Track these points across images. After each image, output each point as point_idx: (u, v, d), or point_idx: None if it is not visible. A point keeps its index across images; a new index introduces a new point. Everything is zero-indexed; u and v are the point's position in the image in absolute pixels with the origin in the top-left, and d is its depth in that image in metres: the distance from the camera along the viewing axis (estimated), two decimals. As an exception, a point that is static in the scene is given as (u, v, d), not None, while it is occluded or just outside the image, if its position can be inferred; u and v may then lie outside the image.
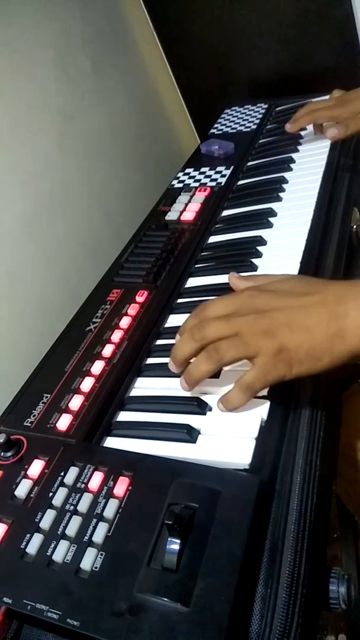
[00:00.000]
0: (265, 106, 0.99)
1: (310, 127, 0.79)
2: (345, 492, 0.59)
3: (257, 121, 0.94)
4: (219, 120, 0.99)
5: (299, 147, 0.79)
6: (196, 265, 0.62)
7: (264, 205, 0.68)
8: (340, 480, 0.58)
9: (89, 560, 0.33)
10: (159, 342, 0.52)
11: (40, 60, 0.81)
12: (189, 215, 0.70)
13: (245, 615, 0.31)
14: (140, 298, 0.57)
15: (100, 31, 0.96)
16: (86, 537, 0.34)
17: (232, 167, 0.80)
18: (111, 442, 0.43)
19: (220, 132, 0.95)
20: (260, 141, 0.87)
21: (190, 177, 0.81)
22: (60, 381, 0.48)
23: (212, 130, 0.96)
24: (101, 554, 0.33)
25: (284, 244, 0.60)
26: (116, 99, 1.00)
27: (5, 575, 0.33)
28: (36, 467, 0.40)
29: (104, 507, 0.36)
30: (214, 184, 0.77)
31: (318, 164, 0.72)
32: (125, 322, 0.54)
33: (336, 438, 0.47)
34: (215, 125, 0.98)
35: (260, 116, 0.95)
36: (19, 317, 0.73)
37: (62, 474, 0.39)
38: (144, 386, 0.48)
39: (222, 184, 0.77)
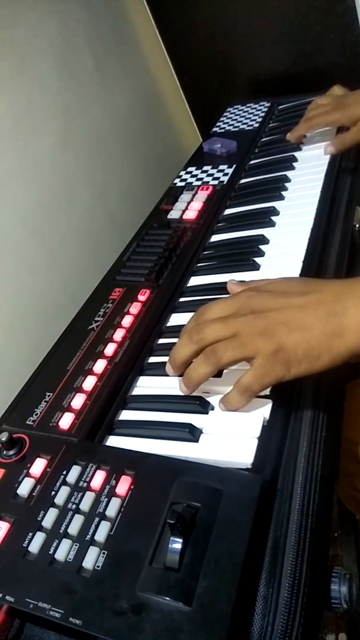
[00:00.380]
0: (268, 104, 0.98)
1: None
2: (345, 489, 0.59)
3: (260, 120, 0.93)
4: (222, 119, 0.99)
5: (302, 146, 0.79)
6: (198, 264, 0.62)
7: (267, 204, 0.67)
8: (340, 477, 0.58)
9: (91, 559, 0.33)
10: (161, 340, 0.52)
11: (43, 59, 0.81)
12: (191, 214, 0.70)
13: (247, 615, 0.31)
14: (142, 297, 0.57)
15: (103, 30, 0.96)
16: (88, 536, 0.34)
17: (234, 166, 0.80)
18: (113, 441, 0.43)
19: (223, 130, 0.95)
20: (263, 140, 0.87)
21: (192, 176, 0.81)
22: (62, 380, 0.48)
23: (214, 129, 0.96)
24: (103, 553, 0.33)
25: (286, 242, 0.60)
26: (119, 97, 0.99)
27: (8, 573, 0.34)
28: (38, 466, 0.40)
29: (106, 506, 0.36)
30: (216, 182, 0.77)
31: (321, 163, 0.72)
32: (127, 320, 0.54)
33: (338, 437, 0.47)
34: (218, 124, 0.98)
35: (263, 114, 0.95)
36: (21, 315, 0.73)
37: (64, 472, 0.39)
38: (146, 385, 0.48)
39: (225, 182, 0.77)
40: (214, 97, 1.14)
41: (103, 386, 0.47)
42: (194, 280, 0.60)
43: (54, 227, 0.80)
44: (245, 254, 0.59)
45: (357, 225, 0.67)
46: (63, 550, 0.34)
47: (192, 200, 0.74)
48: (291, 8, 0.95)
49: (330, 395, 0.45)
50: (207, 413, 0.42)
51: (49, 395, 0.47)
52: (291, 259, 0.56)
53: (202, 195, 0.74)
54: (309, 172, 0.72)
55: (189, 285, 0.59)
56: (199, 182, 0.78)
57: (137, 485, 0.36)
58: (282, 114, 0.92)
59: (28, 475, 0.39)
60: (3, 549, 0.35)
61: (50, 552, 0.34)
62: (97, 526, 0.35)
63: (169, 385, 0.46)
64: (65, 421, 0.44)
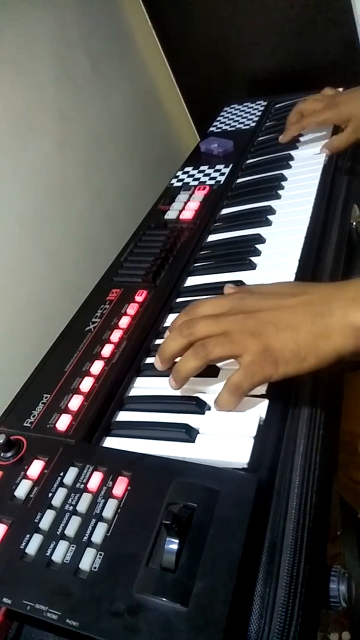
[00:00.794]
0: (265, 103, 0.98)
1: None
2: (342, 481, 0.59)
3: (256, 119, 0.93)
4: (218, 118, 0.99)
5: (298, 145, 0.79)
6: (195, 264, 0.62)
7: (263, 203, 0.67)
8: (340, 471, 0.58)
9: (88, 560, 0.33)
10: (158, 341, 0.52)
11: (40, 60, 0.81)
12: (188, 214, 0.70)
13: (244, 615, 0.31)
14: (139, 297, 0.57)
15: (100, 31, 0.96)
16: (85, 538, 0.34)
17: (231, 165, 0.80)
18: (110, 442, 0.43)
19: (220, 130, 0.95)
20: (259, 139, 0.87)
21: (189, 176, 0.81)
22: (59, 381, 0.48)
23: (211, 129, 0.96)
24: (100, 554, 0.33)
25: (283, 241, 0.60)
26: (115, 98, 0.99)
27: (5, 575, 0.34)
28: (36, 468, 0.40)
29: (103, 507, 0.36)
30: (213, 182, 0.77)
31: (317, 161, 0.72)
32: (124, 321, 0.54)
33: (336, 435, 0.47)
34: (215, 124, 0.98)
35: (260, 114, 0.95)
36: (18, 316, 0.73)
37: (61, 474, 0.39)
38: (143, 386, 0.48)
39: (221, 182, 0.77)
40: (210, 97, 1.14)
41: (100, 387, 0.47)
42: (191, 281, 0.60)
43: (51, 227, 0.81)
44: (241, 254, 0.59)
45: (354, 224, 0.67)
46: (60, 552, 0.34)
47: (189, 200, 0.74)
48: (287, 7, 0.95)
49: (328, 393, 0.45)
50: (203, 413, 0.42)
51: (46, 397, 0.47)
52: (288, 257, 0.56)
53: (199, 195, 0.74)
54: (305, 170, 0.72)
55: (185, 285, 0.59)
56: (196, 182, 0.78)
57: (134, 486, 0.37)
58: (279, 113, 0.92)
59: (25, 477, 0.39)
60: (0, 551, 0.35)
61: (48, 554, 0.34)
62: (94, 527, 0.35)
63: (166, 385, 0.45)
64: (63, 423, 0.44)
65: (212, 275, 0.59)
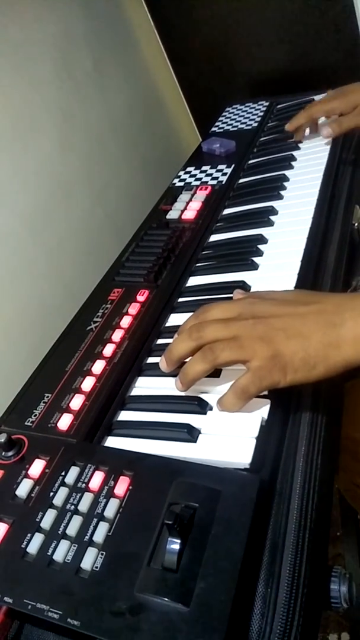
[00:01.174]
0: (267, 104, 0.98)
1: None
2: (346, 486, 0.59)
3: (258, 119, 0.93)
4: (220, 119, 0.99)
5: (300, 145, 0.79)
6: (197, 264, 0.62)
7: (265, 203, 0.67)
8: (342, 474, 0.58)
9: (90, 560, 0.33)
10: (160, 341, 0.52)
11: (41, 59, 0.81)
12: (190, 214, 0.70)
13: (246, 615, 0.31)
14: (141, 297, 0.57)
15: (102, 30, 0.96)
16: (87, 537, 0.34)
17: (233, 166, 0.80)
18: (112, 442, 0.43)
19: (222, 130, 0.95)
20: (262, 139, 0.87)
21: (191, 176, 0.81)
22: (61, 381, 0.48)
23: (213, 129, 0.96)
24: (102, 554, 0.33)
25: (285, 242, 0.60)
26: (117, 97, 0.99)
27: (6, 574, 0.34)
28: (37, 467, 0.40)
29: (104, 507, 0.36)
30: (215, 182, 0.77)
31: (319, 162, 0.72)
32: (126, 321, 0.54)
33: (337, 436, 0.47)
34: (217, 124, 0.98)
35: (262, 114, 0.95)
36: (20, 316, 0.73)
37: (62, 473, 0.39)
38: (144, 385, 0.48)
39: (223, 182, 0.77)
40: (212, 97, 1.14)
41: (102, 387, 0.47)
42: (193, 281, 0.60)
43: (53, 227, 0.81)
44: (243, 254, 0.59)
45: (356, 224, 0.67)
46: (61, 551, 0.34)
47: (190, 200, 0.74)
48: (289, 7, 0.95)
49: (329, 395, 0.45)
50: (205, 413, 0.42)
51: (47, 396, 0.47)
52: (290, 258, 0.56)
53: (201, 195, 0.74)
54: (307, 171, 0.72)
55: (187, 285, 0.59)
56: (198, 182, 0.78)
57: (136, 485, 0.36)
58: (281, 113, 0.92)
59: (27, 476, 0.39)
60: (2, 550, 0.35)
61: (49, 553, 0.34)
62: (95, 527, 0.35)
63: (168, 385, 0.46)
64: (64, 422, 0.44)
65: (214, 275, 0.59)
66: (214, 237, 0.66)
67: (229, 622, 0.29)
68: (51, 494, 0.37)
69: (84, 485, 0.37)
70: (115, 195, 0.97)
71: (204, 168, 0.82)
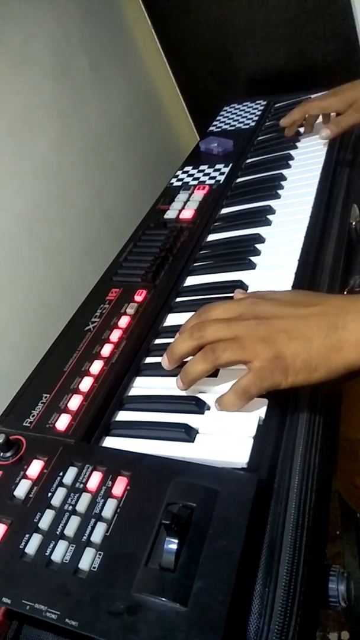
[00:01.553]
0: (264, 103, 0.98)
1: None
2: (345, 487, 0.59)
3: (256, 118, 0.93)
4: (218, 118, 0.99)
5: (298, 144, 0.79)
6: (195, 264, 0.62)
7: (263, 202, 0.67)
8: (340, 475, 0.58)
9: (88, 560, 0.33)
10: (158, 341, 0.52)
11: (38, 60, 0.81)
12: (187, 214, 0.70)
13: (244, 614, 0.31)
14: (139, 297, 0.57)
15: (99, 30, 0.96)
16: (85, 537, 0.34)
17: (231, 165, 0.80)
18: (110, 442, 0.43)
19: (219, 129, 0.95)
20: (259, 138, 0.87)
21: (189, 176, 0.81)
22: (59, 381, 0.48)
23: (211, 128, 0.96)
24: (99, 554, 0.33)
25: (282, 241, 0.60)
26: (114, 97, 0.99)
27: (5, 575, 0.34)
28: (35, 467, 0.40)
29: (102, 507, 0.36)
30: (212, 182, 0.77)
31: (316, 161, 0.72)
32: (124, 321, 0.54)
33: (335, 436, 0.47)
34: (214, 123, 0.98)
35: (259, 113, 0.95)
36: (17, 317, 0.73)
37: (60, 474, 0.39)
38: (142, 385, 0.48)
39: (221, 181, 0.77)
40: (210, 96, 1.14)
41: (99, 387, 0.47)
42: (191, 280, 0.60)
43: (50, 227, 0.81)
44: (241, 254, 0.59)
45: (354, 223, 0.67)
46: (59, 552, 0.34)
47: (188, 199, 0.74)
48: (287, 6, 0.95)
49: (327, 394, 0.45)
50: (203, 413, 0.42)
51: (45, 397, 0.47)
52: (287, 257, 0.56)
53: (199, 194, 0.74)
54: (305, 170, 0.72)
55: (185, 285, 0.59)
56: (196, 182, 0.78)
57: (133, 486, 0.37)
58: (279, 113, 0.92)
59: (25, 476, 0.39)
60: (0, 551, 0.35)
61: (47, 554, 0.34)
62: (93, 527, 0.35)
63: (165, 385, 0.46)
64: (62, 422, 0.44)
65: (212, 274, 0.59)
66: (211, 237, 0.66)
67: (226, 622, 0.29)
68: (49, 494, 0.38)
69: (81, 485, 0.37)
70: (113, 195, 0.97)
71: (201, 167, 0.82)
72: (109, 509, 0.35)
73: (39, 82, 0.80)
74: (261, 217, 0.64)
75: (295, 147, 0.78)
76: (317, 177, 0.68)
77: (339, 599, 0.36)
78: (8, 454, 0.41)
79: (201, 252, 0.64)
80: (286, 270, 0.54)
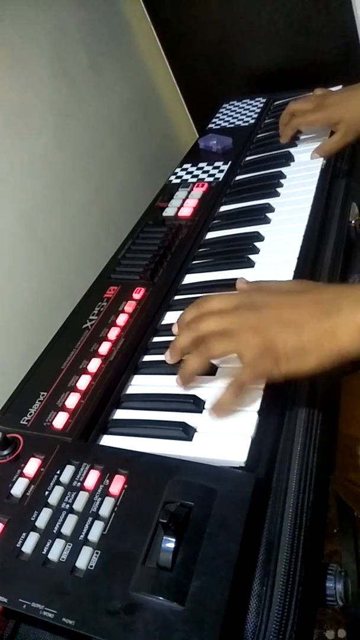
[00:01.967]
0: (264, 100, 0.98)
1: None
2: (341, 482, 0.59)
3: (256, 116, 0.93)
4: (217, 115, 0.99)
5: (297, 142, 0.79)
6: (193, 262, 0.62)
7: (262, 200, 0.67)
8: (338, 473, 0.58)
9: (85, 559, 0.33)
10: (156, 339, 0.52)
11: (37, 57, 0.80)
12: (186, 211, 0.70)
13: (241, 613, 0.31)
14: (137, 295, 0.57)
15: (98, 27, 0.95)
16: (82, 536, 0.34)
17: (230, 162, 0.80)
18: (107, 440, 0.43)
19: (219, 127, 0.94)
20: (258, 136, 0.87)
21: (188, 173, 0.81)
22: (56, 379, 0.48)
23: (210, 125, 0.96)
24: (97, 553, 0.33)
25: (281, 239, 0.60)
26: (114, 94, 0.99)
27: (1, 574, 0.33)
28: (32, 466, 0.40)
29: (99, 506, 0.35)
30: (211, 179, 0.77)
31: (316, 159, 0.72)
32: (122, 319, 0.53)
33: (334, 435, 0.47)
34: (214, 120, 0.97)
35: (259, 110, 0.95)
36: (15, 314, 0.72)
37: (58, 472, 0.39)
38: (140, 384, 0.48)
39: (220, 179, 0.76)
40: (209, 93, 1.13)
41: (97, 385, 0.46)
42: (189, 278, 0.60)
43: (49, 225, 0.80)
44: (240, 251, 0.59)
45: (353, 222, 0.67)
46: (56, 550, 0.34)
47: (187, 197, 0.73)
48: (286, 3, 0.95)
49: (325, 393, 0.45)
50: (200, 412, 0.42)
51: (43, 395, 0.47)
52: (286, 255, 0.56)
53: (198, 192, 0.74)
54: (304, 168, 0.72)
55: (184, 283, 0.59)
56: (195, 179, 0.78)
57: (131, 484, 0.36)
58: (278, 110, 0.92)
59: (22, 475, 0.39)
60: (-3, 549, 0.35)
61: (44, 552, 0.34)
62: (90, 526, 0.34)
63: (163, 383, 0.45)
64: (60, 421, 0.44)
65: (211, 273, 0.59)
66: (210, 235, 0.66)
67: (224, 621, 0.29)
68: (46, 492, 0.37)
69: (79, 484, 0.37)
70: (112, 192, 0.96)
71: (200, 165, 0.82)
72: (106, 507, 0.35)
73: (38, 79, 0.80)
74: (260, 215, 0.64)
75: (295, 145, 0.78)
76: (317, 176, 0.68)
77: (336, 597, 0.36)
78: (5, 452, 0.41)
79: (200, 250, 0.64)
80: (285, 268, 0.54)
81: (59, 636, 0.33)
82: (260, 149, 0.82)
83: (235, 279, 0.54)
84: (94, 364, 0.48)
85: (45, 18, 0.82)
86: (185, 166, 0.83)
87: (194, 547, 0.32)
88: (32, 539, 0.35)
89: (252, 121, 0.91)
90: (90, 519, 0.35)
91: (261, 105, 0.97)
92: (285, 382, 0.39)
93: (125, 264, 0.63)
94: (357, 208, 0.68)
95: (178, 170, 0.82)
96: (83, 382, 0.47)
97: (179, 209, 0.71)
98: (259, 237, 0.61)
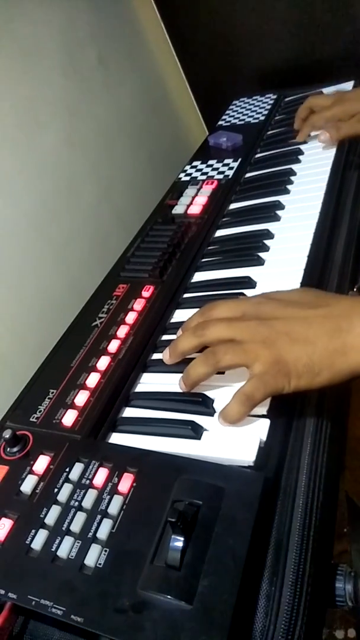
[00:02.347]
0: (274, 97, 0.97)
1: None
2: (354, 487, 0.59)
3: (266, 112, 0.92)
4: (227, 112, 0.98)
5: (307, 139, 0.78)
6: (203, 260, 0.62)
7: (272, 198, 0.67)
8: (348, 474, 0.57)
9: (93, 556, 0.33)
10: (165, 337, 0.52)
11: (46, 54, 0.80)
12: (195, 209, 0.70)
13: (249, 613, 0.31)
14: (146, 293, 0.56)
15: (108, 24, 0.95)
16: (90, 534, 0.34)
17: (240, 160, 0.79)
18: (116, 438, 0.43)
19: (229, 124, 0.94)
20: (269, 133, 0.86)
21: (197, 170, 0.80)
22: (66, 377, 0.48)
23: (220, 122, 0.95)
24: (105, 551, 0.33)
25: (291, 237, 0.59)
26: (123, 91, 0.99)
27: (11, 570, 0.34)
28: (42, 463, 0.40)
29: (108, 504, 0.35)
30: (221, 176, 0.76)
31: (326, 156, 0.71)
32: (131, 317, 0.53)
33: (344, 434, 0.46)
34: (224, 117, 0.97)
35: (269, 107, 0.94)
36: (25, 312, 0.73)
37: (67, 469, 0.39)
38: (149, 382, 0.48)
39: (230, 176, 0.76)
40: (220, 90, 1.13)
41: (106, 383, 0.47)
42: (198, 276, 0.59)
43: (58, 223, 0.80)
44: (249, 249, 0.59)
45: (364, 219, 0.66)
46: (65, 548, 0.34)
47: (196, 194, 0.73)
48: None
49: (336, 391, 0.45)
50: (209, 410, 0.41)
51: (52, 392, 0.47)
52: (296, 253, 0.55)
53: (207, 189, 0.74)
54: (315, 165, 0.71)
55: (193, 281, 0.59)
56: (204, 177, 0.78)
57: (140, 482, 0.36)
58: (289, 107, 0.91)
59: (31, 472, 0.40)
60: (6, 546, 0.35)
61: (53, 549, 0.34)
62: (99, 524, 0.35)
63: (172, 382, 0.45)
64: (69, 418, 0.44)
65: (220, 270, 0.58)
66: (219, 232, 0.66)
67: (232, 621, 0.29)
68: (55, 490, 0.38)
69: (88, 481, 0.37)
70: (121, 190, 0.96)
71: (210, 162, 0.81)
72: (115, 505, 0.35)
73: (48, 76, 0.80)
74: (270, 212, 0.64)
75: (305, 142, 0.77)
76: (327, 173, 0.67)
77: (346, 598, 0.35)
78: (15, 449, 0.41)
79: (209, 247, 0.64)
80: (295, 266, 0.53)
81: (68, 633, 0.34)
82: (270, 146, 0.81)
83: (244, 277, 0.54)
84: (103, 362, 0.49)
85: (55, 16, 0.82)
86: (194, 163, 0.83)
87: (202, 546, 0.32)
88: (41, 536, 0.35)
89: (263, 118, 0.91)
90: (99, 516, 0.35)
91: (272, 101, 0.96)
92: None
93: (135, 262, 0.63)
94: (369, 205, 0.68)
95: (187, 167, 0.82)
96: (92, 379, 0.47)
97: (188, 206, 0.71)
98: (269, 234, 0.60)
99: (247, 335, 0.39)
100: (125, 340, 0.51)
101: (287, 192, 0.67)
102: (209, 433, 0.40)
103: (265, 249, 0.58)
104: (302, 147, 0.76)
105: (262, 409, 0.40)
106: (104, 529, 0.34)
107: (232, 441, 0.38)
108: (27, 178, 0.75)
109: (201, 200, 0.71)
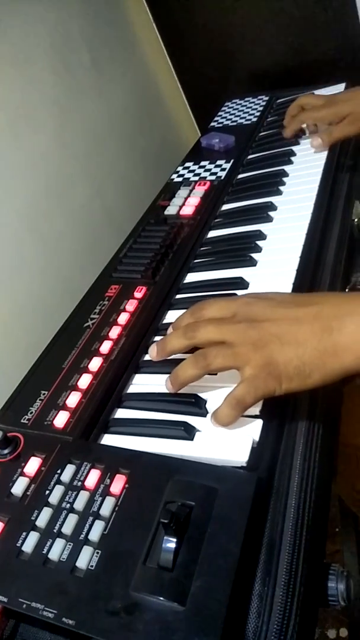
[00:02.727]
0: (266, 98, 0.98)
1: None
2: (347, 492, 0.59)
3: (258, 114, 0.93)
4: (220, 113, 0.99)
5: (300, 140, 0.78)
6: (195, 261, 0.62)
7: (264, 199, 0.67)
8: (341, 480, 0.57)
9: (85, 558, 0.33)
10: (158, 338, 0.52)
11: (38, 54, 0.80)
12: (188, 210, 0.70)
13: (242, 614, 0.31)
14: (138, 294, 0.56)
15: (100, 24, 0.95)
16: (82, 536, 0.34)
17: (232, 161, 0.80)
18: (108, 440, 0.43)
19: (221, 125, 0.94)
20: (261, 134, 0.86)
21: (189, 171, 0.80)
22: (57, 378, 0.48)
23: (212, 123, 0.95)
24: (97, 553, 0.33)
25: (284, 238, 0.59)
26: (115, 92, 0.99)
27: (1, 573, 0.33)
28: (33, 465, 0.40)
29: (100, 505, 0.35)
30: (213, 177, 0.77)
31: (319, 157, 0.71)
32: (123, 318, 0.53)
33: (336, 435, 0.47)
34: (216, 119, 0.97)
35: (261, 108, 0.94)
36: (17, 313, 0.72)
37: (58, 471, 0.38)
38: (141, 383, 0.48)
39: (222, 177, 0.76)
40: (212, 91, 1.13)
41: (98, 384, 0.46)
42: (191, 277, 0.59)
43: (51, 223, 0.80)
44: (242, 250, 0.59)
45: (356, 220, 0.66)
46: (57, 550, 0.33)
47: (189, 195, 0.73)
48: (289, 1, 0.94)
49: (328, 392, 0.45)
50: (202, 411, 0.41)
51: (44, 394, 0.47)
52: (288, 254, 0.55)
53: (200, 190, 0.74)
54: (307, 166, 0.71)
55: (185, 282, 0.59)
56: (197, 178, 0.78)
57: (132, 484, 0.36)
58: (281, 108, 0.92)
59: (22, 474, 0.39)
60: (-3, 549, 0.35)
61: (44, 552, 0.34)
62: (91, 525, 0.34)
63: (165, 383, 0.45)
64: (60, 420, 0.43)
65: (212, 271, 0.58)
66: (212, 233, 0.66)
67: (225, 621, 0.28)
68: (47, 492, 0.37)
69: (79, 483, 0.37)
70: (114, 190, 0.96)
71: (202, 163, 0.81)
72: (107, 507, 0.35)
73: (39, 76, 0.80)
74: (262, 213, 0.64)
75: (297, 143, 0.78)
76: (319, 174, 0.68)
77: (338, 598, 0.35)
78: (5, 451, 0.41)
79: (202, 248, 0.64)
80: (287, 267, 0.54)
81: (59, 636, 0.33)
82: (262, 147, 0.82)
83: (237, 278, 0.54)
84: (95, 363, 0.48)
85: (47, 16, 0.82)
86: (187, 164, 0.83)
87: (195, 547, 0.32)
88: (32, 539, 0.34)
89: (255, 119, 0.91)
90: (90, 518, 0.35)
91: (264, 103, 0.96)
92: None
93: (127, 262, 0.63)
94: (360, 206, 0.68)
95: (180, 168, 0.82)
96: (84, 381, 0.47)
97: (180, 207, 0.71)
98: (261, 235, 0.60)
99: (238, 338, 0.38)
100: (117, 341, 0.51)
101: (279, 193, 0.68)
102: (201, 434, 0.40)
103: (258, 249, 0.59)
104: (294, 148, 0.76)
105: (255, 410, 0.39)
106: (96, 531, 0.34)
107: (225, 442, 0.38)
108: (19, 179, 0.74)
109: (193, 201, 0.71)
